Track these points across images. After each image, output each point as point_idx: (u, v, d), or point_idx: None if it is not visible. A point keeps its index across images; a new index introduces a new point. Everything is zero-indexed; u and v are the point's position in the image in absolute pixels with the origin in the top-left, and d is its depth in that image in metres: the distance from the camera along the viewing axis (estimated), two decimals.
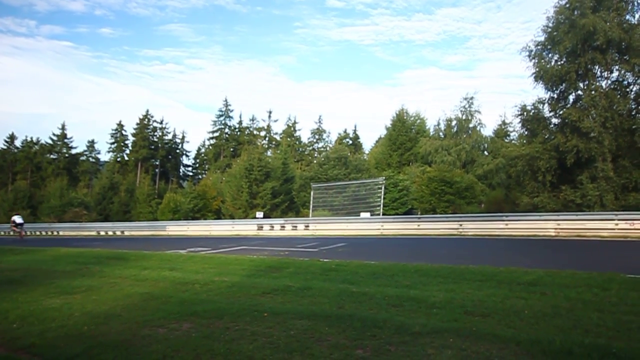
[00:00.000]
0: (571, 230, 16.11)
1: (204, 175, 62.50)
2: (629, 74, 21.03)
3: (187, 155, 66.97)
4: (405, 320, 4.77)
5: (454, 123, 42.90)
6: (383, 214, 25.38)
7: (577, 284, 6.23)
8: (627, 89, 21.60)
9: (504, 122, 43.29)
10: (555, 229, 16.51)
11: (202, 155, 66.33)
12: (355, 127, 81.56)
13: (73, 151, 62.49)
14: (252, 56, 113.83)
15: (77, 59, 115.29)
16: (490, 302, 5.46)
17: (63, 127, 62.01)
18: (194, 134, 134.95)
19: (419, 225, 19.90)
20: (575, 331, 4.28)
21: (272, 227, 24.15)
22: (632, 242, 13.54)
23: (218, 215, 41.98)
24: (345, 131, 63.54)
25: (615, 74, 21.72)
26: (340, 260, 9.62)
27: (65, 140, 61.80)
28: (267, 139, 62.12)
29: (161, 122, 63.29)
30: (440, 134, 44.83)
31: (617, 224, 15.41)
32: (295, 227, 23.22)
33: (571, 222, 16.49)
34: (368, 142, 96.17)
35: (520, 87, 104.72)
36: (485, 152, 41.74)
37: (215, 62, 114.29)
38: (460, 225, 18.69)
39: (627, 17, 21.10)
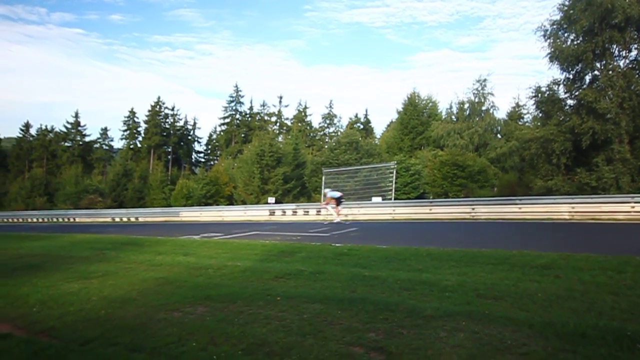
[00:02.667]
0: (586, 213, 15.90)
1: (215, 162, 62.88)
2: None
3: (198, 142, 67.42)
4: (417, 304, 4.79)
5: (466, 106, 42.34)
6: (395, 199, 25.28)
7: (592, 267, 6.16)
8: None
9: (517, 105, 42.59)
10: (570, 212, 16.31)
11: (214, 141, 66.61)
12: (366, 111, 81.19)
13: (87, 139, 63.28)
14: (262, 40, 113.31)
15: (88, 46, 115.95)
16: (503, 286, 5.44)
17: (76, 115, 62.79)
18: (206, 120, 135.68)
19: (431, 210, 19.82)
20: (589, 314, 4.25)
21: (284, 212, 24.27)
22: None
23: (230, 201, 42.31)
24: (356, 115, 63.28)
25: (634, 53, 21.20)
26: (352, 245, 9.64)
27: (79, 128, 62.51)
28: (278, 124, 62.14)
29: (173, 109, 63.62)
30: (453, 117, 44.31)
31: (633, 207, 15.16)
32: (307, 212, 23.30)
33: (586, 205, 16.26)
34: (379, 127, 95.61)
35: (535, 68, 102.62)
36: (499, 135, 41.18)
37: (225, 48, 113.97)
38: (473, 209, 18.56)
39: None
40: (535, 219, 16.38)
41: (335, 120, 61.54)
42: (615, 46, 20.85)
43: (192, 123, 66.05)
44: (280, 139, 53.52)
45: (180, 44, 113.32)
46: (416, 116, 47.48)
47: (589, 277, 5.65)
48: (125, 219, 30.98)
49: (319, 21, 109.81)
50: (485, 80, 41.18)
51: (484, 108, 41.41)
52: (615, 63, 20.92)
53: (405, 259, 7.56)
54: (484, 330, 3.87)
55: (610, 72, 20.28)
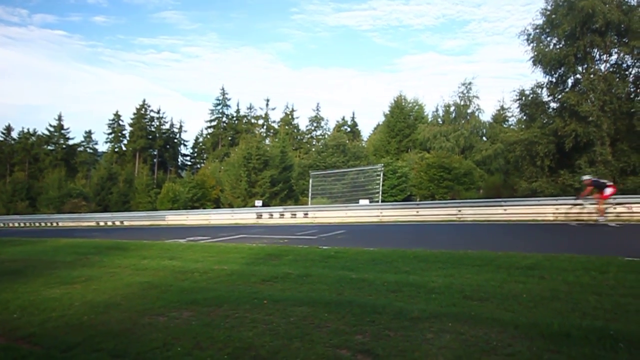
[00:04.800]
0: (570, 214, 16.13)
1: (202, 165, 62.48)
2: (628, 56, 20.87)
3: (185, 145, 66.97)
4: (404, 306, 4.79)
5: (452, 109, 42.78)
6: (382, 201, 25.40)
7: (576, 267, 6.25)
8: (626, 72, 21.47)
9: (502, 107, 43.14)
10: (554, 213, 16.53)
11: (200, 144, 66.21)
12: (353, 114, 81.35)
13: (70, 142, 62.39)
14: (249, 43, 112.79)
15: (71, 48, 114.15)
16: (488, 287, 5.48)
17: (60, 118, 61.85)
18: (192, 123, 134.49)
19: (417, 212, 19.92)
20: (574, 314, 4.30)
21: (271, 215, 24.17)
22: (629, 226, 13.58)
23: (217, 204, 42.06)
24: (343, 118, 63.45)
25: (614, 57, 21.59)
26: (340, 247, 9.64)
27: (62, 131, 61.57)
28: (265, 127, 62.04)
29: (158, 112, 63.09)
30: (439, 120, 44.73)
31: (615, 208, 15.41)
32: (295, 215, 23.25)
33: (570, 207, 16.50)
34: (366, 129, 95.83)
35: (520, 71, 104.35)
36: (484, 138, 41.65)
37: (212, 50, 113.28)
38: (459, 211, 18.71)
39: None
40: (520, 221, 16.56)
41: (323, 123, 61.80)
42: (596, 50, 21.23)
43: (178, 126, 65.68)
44: (267, 142, 53.46)
45: (166, 47, 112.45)
46: (403, 119, 47.79)
47: (573, 277, 5.73)
48: (110, 223, 30.55)
49: (305, 24, 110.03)
50: (470, 83, 41.69)
51: (469, 111, 41.88)
52: (596, 67, 21.31)
53: (393, 261, 7.58)
54: (470, 332, 3.90)
55: (592, 76, 20.65)
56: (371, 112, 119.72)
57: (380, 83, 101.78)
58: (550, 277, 5.82)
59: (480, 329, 3.96)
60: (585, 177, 15.21)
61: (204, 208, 38.61)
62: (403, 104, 49.14)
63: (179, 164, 66.70)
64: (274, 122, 62.32)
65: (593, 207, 14.67)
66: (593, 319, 4.08)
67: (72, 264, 9.51)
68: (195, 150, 67.13)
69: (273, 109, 63.72)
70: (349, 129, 61.28)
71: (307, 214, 22.67)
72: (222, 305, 5.30)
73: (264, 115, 62.26)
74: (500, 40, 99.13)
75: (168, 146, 64.31)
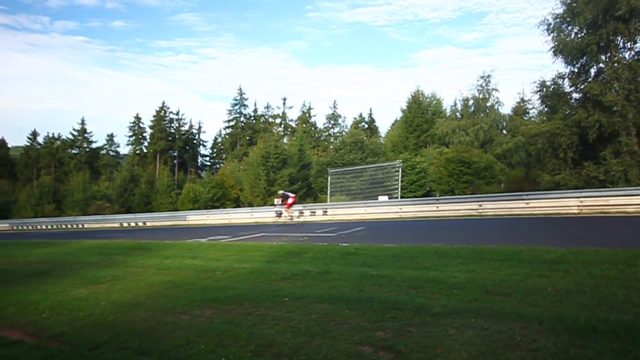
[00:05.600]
0: (594, 207, 15.73)
1: (221, 165, 63.02)
2: None
3: (204, 145, 67.57)
4: (425, 302, 4.76)
5: (471, 102, 42.09)
6: (401, 197, 25.21)
7: (601, 260, 6.09)
8: None
9: (522, 100, 42.26)
10: (578, 206, 16.15)
11: (219, 144, 66.76)
12: (370, 110, 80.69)
13: (93, 145, 63.63)
14: (264, 42, 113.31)
15: (91, 53, 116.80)
16: (511, 282, 5.39)
17: (83, 122, 63.18)
18: (210, 123, 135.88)
19: (437, 207, 19.71)
20: (600, 308, 4.20)
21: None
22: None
23: (237, 203, 42.40)
24: (360, 115, 63.13)
25: (639, 45, 20.95)
26: (359, 244, 9.62)
27: (86, 135, 62.90)
28: (282, 126, 62.19)
29: (177, 113, 63.81)
30: (457, 114, 44.07)
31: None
32: (314, 212, 23.26)
33: (594, 199, 16.08)
34: (384, 125, 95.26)
35: (540, 62, 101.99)
36: (504, 131, 40.88)
37: (228, 51, 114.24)
38: (480, 205, 18.43)
39: None
40: (543, 214, 16.23)
41: (340, 121, 61.55)
42: (619, 38, 20.65)
43: (197, 127, 66.29)
44: (285, 140, 53.58)
45: (183, 49, 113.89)
46: (420, 114, 47.28)
47: (599, 271, 5.58)
48: (133, 224, 31.12)
49: (320, 21, 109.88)
50: (489, 76, 40.88)
51: (488, 104, 41.12)
52: (620, 55, 20.73)
53: (413, 257, 7.52)
54: (493, 327, 3.84)
55: (616, 65, 20.10)
56: (388, 107, 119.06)
57: (397, 78, 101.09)
58: (575, 271, 5.69)
59: (503, 324, 3.90)
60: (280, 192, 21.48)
61: (224, 208, 38.97)
62: (420, 99, 48.59)
63: (199, 164, 67.42)
64: (291, 120, 62.47)
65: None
66: (621, 313, 3.98)
67: (98, 264, 9.73)
68: (214, 150, 67.75)
69: (290, 107, 63.89)
70: (366, 126, 60.99)
71: (326, 211, 22.65)
72: (244, 303, 5.35)
73: (281, 114, 62.44)
74: (519, 32, 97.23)
75: (188, 147, 65.04)
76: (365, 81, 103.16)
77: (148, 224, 30.40)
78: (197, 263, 8.84)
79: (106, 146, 65.14)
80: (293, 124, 61.48)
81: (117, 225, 31.90)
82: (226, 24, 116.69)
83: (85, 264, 9.86)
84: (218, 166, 64.25)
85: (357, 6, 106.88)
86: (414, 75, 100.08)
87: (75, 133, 62.81)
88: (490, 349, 3.41)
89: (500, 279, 5.59)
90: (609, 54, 20.77)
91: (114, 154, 65.80)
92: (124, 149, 65.87)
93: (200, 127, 66.53)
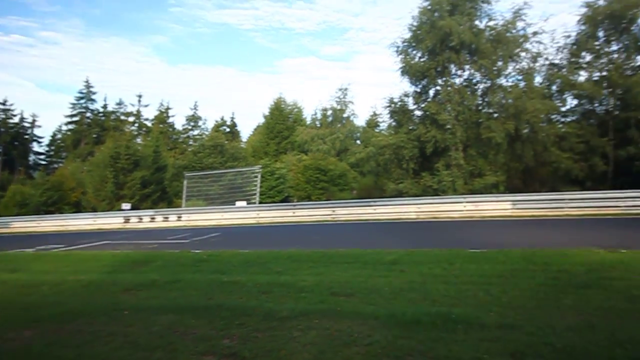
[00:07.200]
0: (429, 212, 17.89)
1: (60, 165, 55.74)
2: (477, 73, 23.88)
3: (38, 142, 58.90)
4: (274, 306, 4.81)
5: (329, 113, 44.58)
6: (260, 203, 25.37)
7: (430, 260, 6.93)
8: (476, 87, 24.51)
9: (375, 113, 46.07)
10: (416, 212, 18.18)
11: (59, 142, 58.96)
12: (233, 114, 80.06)
13: None
14: (119, 33, 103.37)
15: None
16: (355, 283, 5.79)
17: None
18: (48, 117, 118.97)
19: (294, 213, 20.30)
20: (425, 302, 4.75)
21: (141, 219, 22.55)
22: (477, 222, 15.53)
23: (78, 208, 37.87)
24: (222, 119, 61.70)
25: (466, 73, 24.50)
26: (213, 251, 9.39)
27: None
28: (136, 125, 57.63)
29: (4, 103, 54.59)
30: (317, 123, 46.22)
31: (465, 206, 17.53)
32: (167, 218, 22.02)
33: (429, 206, 18.30)
34: (246, 130, 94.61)
35: (392, 80, 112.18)
36: (358, 141, 44.09)
37: (75, 37, 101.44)
38: (334, 211, 19.53)
39: (476, 22, 23.84)
40: (387, 219, 17.88)
41: (200, 123, 59.29)
42: (452, 65, 23.86)
43: (30, 120, 57.60)
44: (139, 140, 49.81)
45: (17, 29, 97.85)
46: (282, 121, 48.34)
47: (427, 269, 6.34)
48: None
49: (184, 18, 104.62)
50: (346, 89, 43.93)
51: (345, 115, 44.05)
52: (452, 80, 24.00)
53: (266, 262, 7.59)
54: (335, 327, 4.05)
55: (449, 88, 23.24)
56: (252, 113, 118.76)
57: (261, 84, 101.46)
58: (409, 270, 6.36)
59: (344, 323, 4.14)
60: None
61: (61, 213, 34.48)
62: (283, 106, 49.72)
63: (31, 163, 58.63)
64: (146, 119, 58.14)
65: None
66: (440, 306, 4.55)
67: None
68: (52, 148, 59.61)
69: (146, 105, 59.51)
70: (228, 130, 59.96)
71: (180, 216, 21.62)
72: (75, 320, 4.78)
73: (135, 112, 57.74)
74: (375, 50, 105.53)
75: (16, 142, 56.12)
76: (229, 84, 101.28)
77: None
78: (20, 277, 7.63)
79: None
80: (149, 124, 57.43)
81: None
82: (73, 7, 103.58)
83: None
84: (56, 166, 56.67)
85: (223, 7, 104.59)
86: (278, 82, 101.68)
87: None
88: (330, 347, 3.58)
89: (345, 280, 5.96)
90: (444, 79, 23.87)
91: None
92: None
93: (34, 121, 57.84)
